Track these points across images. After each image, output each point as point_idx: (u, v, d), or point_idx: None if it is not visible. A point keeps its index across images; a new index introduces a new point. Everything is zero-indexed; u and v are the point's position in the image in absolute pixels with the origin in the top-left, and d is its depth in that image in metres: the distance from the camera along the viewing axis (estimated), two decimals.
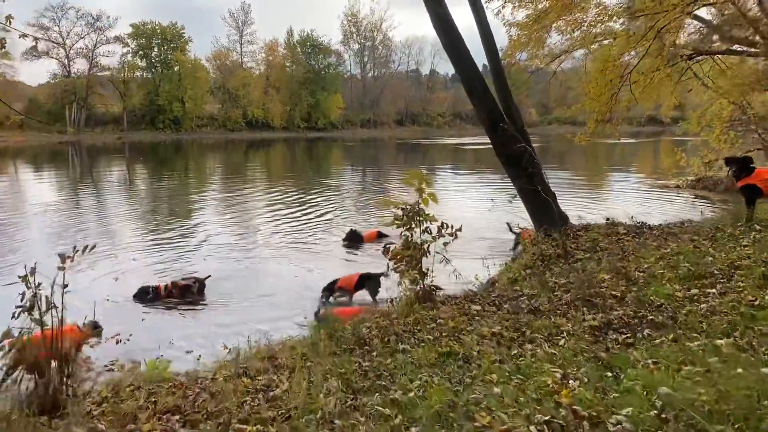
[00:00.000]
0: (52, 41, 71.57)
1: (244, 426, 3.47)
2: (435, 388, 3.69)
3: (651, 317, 4.95)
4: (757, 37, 14.25)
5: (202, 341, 7.23)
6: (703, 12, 14.90)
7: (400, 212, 6.26)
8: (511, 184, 10.11)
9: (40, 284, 4.09)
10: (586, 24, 14.11)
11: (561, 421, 3.12)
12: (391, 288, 7.21)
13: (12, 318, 4.12)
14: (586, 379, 3.76)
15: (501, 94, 9.95)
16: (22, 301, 4.03)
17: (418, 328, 5.17)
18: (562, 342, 4.57)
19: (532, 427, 3.02)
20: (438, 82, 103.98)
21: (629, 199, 18.40)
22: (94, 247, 4.28)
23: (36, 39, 5.33)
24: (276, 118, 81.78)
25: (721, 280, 5.66)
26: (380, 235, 12.84)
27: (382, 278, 8.58)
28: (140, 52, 76.89)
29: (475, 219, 13.95)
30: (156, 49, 77.45)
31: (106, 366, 6.42)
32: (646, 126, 64.21)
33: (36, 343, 4.19)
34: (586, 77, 15.73)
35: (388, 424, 3.31)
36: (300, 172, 34.03)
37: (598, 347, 4.41)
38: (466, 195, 20.49)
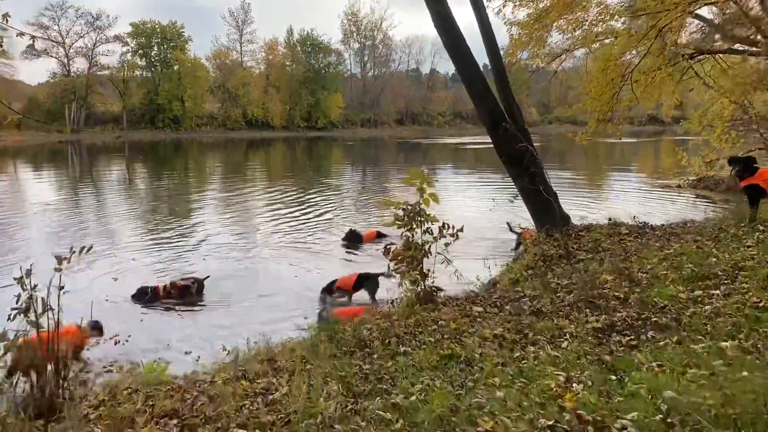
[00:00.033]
0: (52, 40, 71.58)
1: (243, 431, 3.42)
2: (437, 392, 3.63)
3: (655, 319, 4.90)
4: (759, 36, 14.21)
5: (201, 342, 7.17)
6: (705, 11, 14.88)
7: (401, 212, 6.20)
8: (513, 183, 10.06)
9: (36, 286, 4.04)
10: (587, 23, 14.09)
11: (565, 426, 3.07)
12: (392, 289, 7.17)
13: (8, 320, 4.07)
14: (590, 383, 3.71)
15: (502, 94, 9.89)
16: (17, 303, 3.97)
17: (420, 329, 5.11)
18: (565, 344, 4.52)
19: None
20: (438, 82, 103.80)
21: (630, 199, 18.35)
22: (90, 248, 4.23)
23: (33, 37, 5.27)
24: (276, 117, 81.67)
25: (725, 282, 5.62)
26: (379, 235, 12.80)
27: (382, 278, 8.55)
28: (140, 51, 76.76)
29: (476, 219, 13.88)
30: (156, 48, 77.30)
31: (105, 367, 6.39)
32: (646, 125, 64.36)
33: (32, 346, 4.14)
34: (587, 76, 15.69)
35: (389, 429, 3.27)
36: (300, 171, 33.97)
37: (601, 350, 4.37)
38: (466, 194, 20.43)
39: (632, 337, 4.62)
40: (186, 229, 14.85)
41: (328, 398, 3.71)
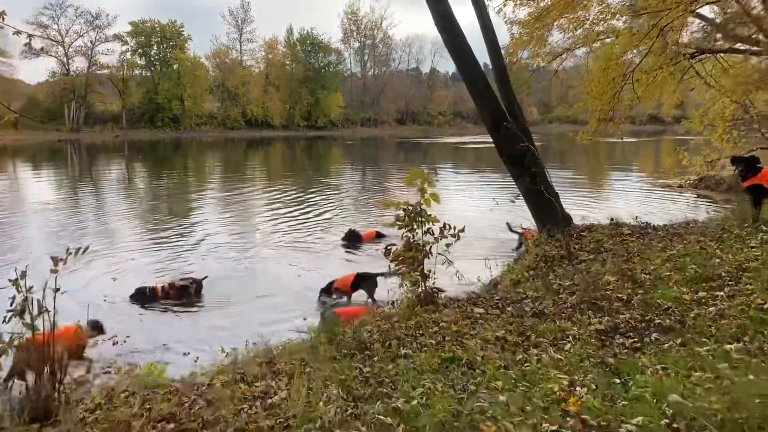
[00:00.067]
0: (52, 39, 71.43)
1: None
2: (438, 396, 3.57)
3: (658, 321, 4.84)
4: (761, 36, 14.17)
5: (200, 343, 7.13)
6: (706, 10, 14.82)
7: (401, 213, 6.14)
8: (513, 183, 10.00)
9: (31, 288, 3.98)
10: (588, 22, 14.03)
11: (569, 431, 3.03)
12: (392, 289, 7.11)
13: (3, 322, 4.01)
14: (593, 386, 3.66)
15: (503, 93, 9.84)
16: (11, 305, 3.91)
17: (420, 331, 5.05)
18: (568, 347, 4.46)
19: None
20: (438, 81, 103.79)
21: (632, 199, 18.33)
22: (86, 249, 4.16)
23: (30, 36, 5.20)
24: (276, 116, 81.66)
25: (729, 283, 5.55)
26: (379, 235, 12.78)
27: (380, 278, 8.49)
28: (139, 50, 76.76)
29: (477, 219, 13.82)
30: (155, 48, 77.29)
31: (102, 368, 6.35)
32: (647, 125, 64.32)
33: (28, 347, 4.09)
34: (588, 76, 15.63)
35: None
36: (299, 171, 33.92)
37: (605, 352, 4.31)
38: (466, 194, 20.38)
39: (636, 339, 4.56)
40: (185, 228, 14.80)
41: (327, 402, 3.65)
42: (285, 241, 13.04)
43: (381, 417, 3.36)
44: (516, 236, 11.69)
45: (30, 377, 4.11)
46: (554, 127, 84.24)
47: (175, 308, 8.59)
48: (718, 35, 15.62)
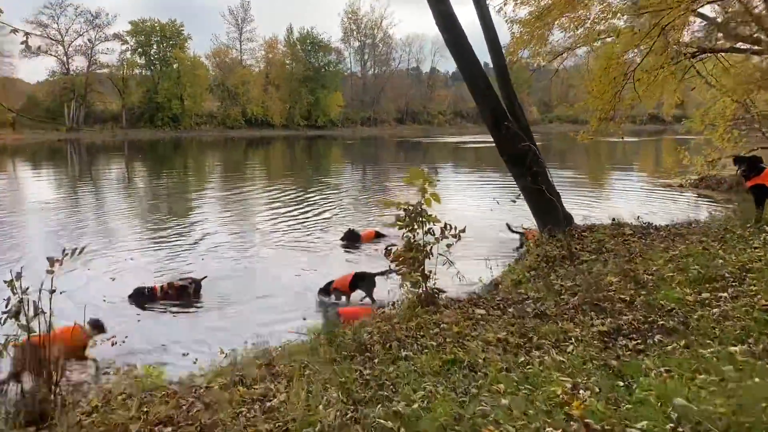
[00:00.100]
0: (51, 38, 71.37)
1: None
2: (440, 400, 3.52)
3: (662, 322, 4.80)
4: (762, 35, 14.13)
5: (199, 344, 7.08)
6: (707, 10, 14.79)
7: (402, 213, 6.08)
8: (514, 183, 9.95)
9: (27, 289, 3.92)
10: (589, 21, 14.01)
11: None
12: (392, 290, 7.05)
13: None
14: (597, 389, 3.61)
15: (504, 92, 9.79)
16: (6, 307, 3.86)
17: (421, 333, 5.00)
18: (570, 348, 4.41)
19: None
20: (439, 80, 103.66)
21: (632, 198, 18.28)
22: (83, 250, 4.12)
23: (26, 34, 5.14)
24: (276, 115, 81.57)
25: (733, 284, 5.51)
26: (378, 235, 12.73)
27: (379, 278, 8.44)
28: (139, 49, 76.64)
29: (477, 218, 13.78)
30: (155, 47, 77.16)
31: (101, 369, 6.31)
32: (647, 124, 64.28)
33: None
34: (588, 75, 15.61)
35: None
36: (299, 170, 33.87)
37: (608, 354, 4.26)
38: (467, 194, 20.31)
39: (639, 341, 4.52)
40: (184, 228, 14.76)
41: (327, 406, 3.60)
42: (284, 241, 12.99)
43: (381, 421, 3.31)
44: (516, 236, 11.65)
45: (26, 379, 4.06)
46: (554, 126, 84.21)
47: (174, 308, 8.53)
48: (720, 34, 15.59)
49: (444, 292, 6.38)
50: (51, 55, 73.94)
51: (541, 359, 4.20)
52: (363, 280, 8.74)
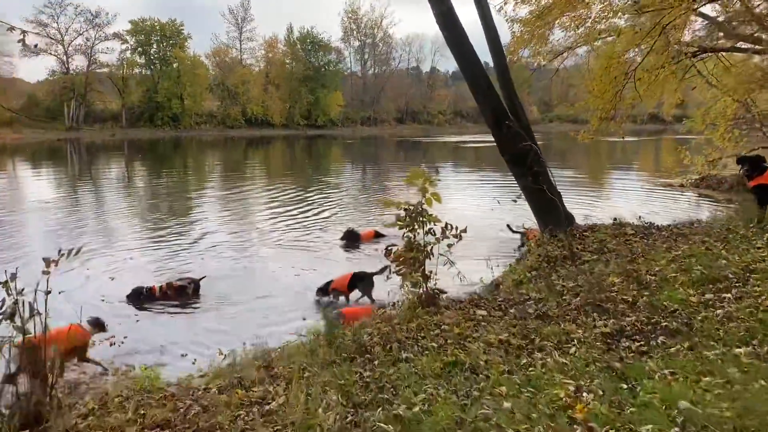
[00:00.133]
0: (51, 37, 71.27)
1: None
2: (441, 403, 3.47)
3: (665, 324, 4.75)
4: (763, 34, 14.07)
5: (197, 344, 7.06)
6: (708, 9, 14.73)
7: (402, 213, 6.03)
8: (514, 182, 9.90)
9: (23, 290, 3.87)
10: (590, 20, 13.93)
11: None
12: (392, 290, 6.99)
13: None
14: (600, 392, 3.57)
15: (505, 91, 9.74)
16: (1, 308, 3.80)
17: (422, 334, 4.94)
18: (573, 350, 4.36)
19: None
20: (439, 80, 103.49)
21: (633, 198, 18.26)
22: (79, 250, 4.06)
23: (23, 32, 5.09)
24: (275, 115, 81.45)
25: (737, 285, 5.46)
26: (378, 235, 12.69)
27: (378, 277, 8.40)
28: (139, 48, 76.43)
29: (477, 218, 13.73)
30: (155, 46, 76.98)
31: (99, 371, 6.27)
32: (647, 124, 64.17)
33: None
34: (589, 74, 15.56)
35: None
36: (299, 169, 33.80)
37: (611, 356, 4.21)
38: (467, 193, 20.27)
39: (642, 342, 4.47)
40: (184, 227, 14.72)
41: (327, 409, 3.54)
42: (284, 241, 12.95)
43: (382, 425, 3.26)
44: (517, 236, 11.60)
45: (21, 381, 4.00)
46: (554, 126, 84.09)
47: (173, 309, 8.50)
48: (720, 34, 15.52)
49: (445, 292, 6.33)
50: (51, 54, 73.79)
51: (543, 361, 4.15)
52: (362, 281, 8.71)
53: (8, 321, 3.76)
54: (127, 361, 6.49)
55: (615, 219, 9.63)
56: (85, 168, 34.74)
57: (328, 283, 8.68)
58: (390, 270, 8.31)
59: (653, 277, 6.05)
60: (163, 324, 7.98)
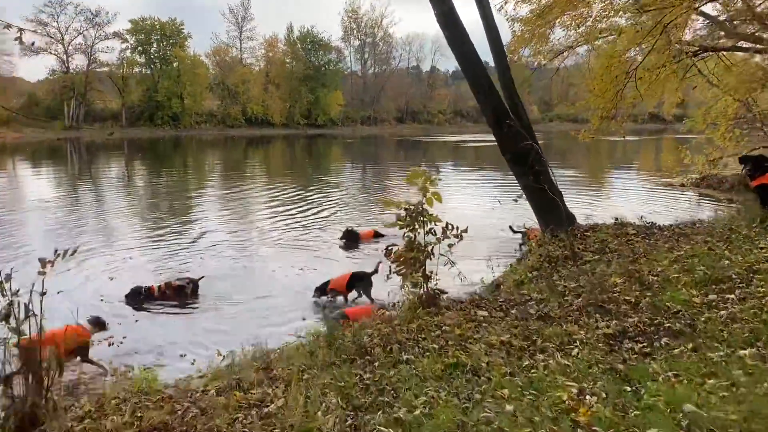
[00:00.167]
0: (51, 37, 71.21)
1: None
2: (442, 406, 3.42)
3: (668, 325, 4.70)
4: (765, 34, 14.02)
5: (196, 344, 7.03)
6: (709, 8, 14.69)
7: (403, 212, 5.97)
8: (515, 181, 9.85)
9: (18, 291, 3.82)
10: (590, 19, 13.89)
11: None
12: (392, 291, 6.94)
13: None
14: (603, 395, 3.52)
15: (506, 91, 9.68)
16: None
17: (423, 335, 4.88)
18: (575, 352, 4.31)
19: None
20: (439, 79, 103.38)
21: (634, 198, 18.23)
22: (75, 251, 4.01)
23: (20, 29, 5.04)
24: (276, 114, 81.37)
25: (740, 285, 5.41)
26: (377, 234, 12.65)
27: (377, 277, 8.36)
28: (139, 48, 76.33)
29: (478, 217, 13.69)
30: (155, 45, 76.87)
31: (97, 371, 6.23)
32: (647, 123, 64.17)
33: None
34: (590, 73, 15.52)
35: None
36: (299, 169, 33.77)
37: (614, 358, 4.16)
38: (467, 193, 20.22)
39: (645, 343, 4.42)
40: (183, 227, 14.68)
41: (326, 412, 3.49)
42: (283, 240, 12.90)
43: (382, 428, 3.22)
44: (518, 236, 11.56)
45: (17, 383, 3.95)
46: (555, 125, 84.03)
47: (172, 309, 8.45)
48: (721, 33, 15.47)
49: (445, 293, 6.27)
50: (51, 53, 73.63)
51: (545, 363, 4.09)
52: (361, 281, 8.67)
53: (3, 322, 3.71)
54: (126, 362, 6.46)
55: (616, 219, 9.57)
56: (85, 167, 34.69)
57: (326, 283, 8.64)
58: (381, 264, 8.33)
59: (655, 278, 6.00)
60: (162, 324, 7.95)
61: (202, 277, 9.22)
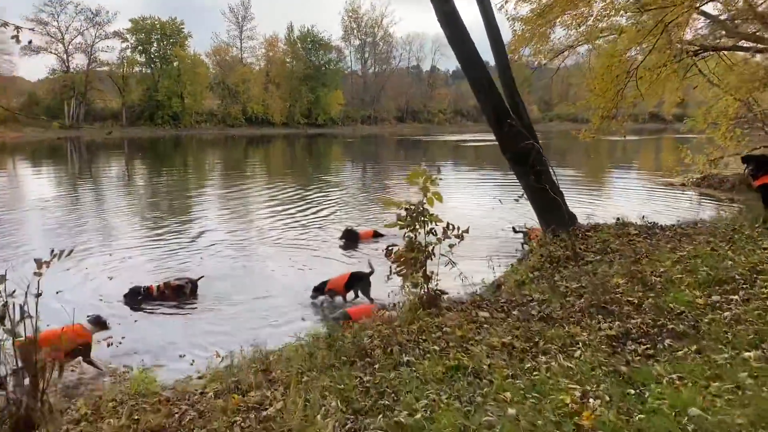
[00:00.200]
0: (51, 36, 71.16)
1: None
2: (443, 409, 3.36)
3: (671, 326, 4.64)
4: (766, 33, 13.98)
5: (195, 345, 7.00)
6: (710, 7, 14.66)
7: (403, 212, 5.92)
8: (516, 181, 9.80)
9: (14, 291, 3.77)
10: (591, 18, 13.86)
11: None
12: (393, 291, 6.88)
13: None
14: (607, 398, 3.46)
15: (507, 90, 9.62)
16: None
17: (423, 337, 4.83)
18: (578, 354, 4.25)
19: None
20: (439, 79, 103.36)
21: (634, 197, 18.19)
22: (71, 251, 3.96)
23: (17, 28, 5.00)
24: (276, 114, 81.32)
25: (744, 286, 5.35)
26: (376, 234, 12.61)
27: (375, 276, 8.32)
28: (139, 47, 76.22)
29: (478, 217, 13.64)
30: (155, 45, 76.77)
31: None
32: (648, 123, 64.19)
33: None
34: (590, 73, 15.48)
35: None
36: (299, 168, 33.70)
37: (617, 360, 4.11)
38: (467, 192, 20.17)
39: (648, 345, 4.36)
40: (183, 226, 14.64)
41: (326, 415, 3.43)
42: (284, 240, 12.86)
43: None
44: (519, 236, 11.51)
45: (12, 385, 3.90)
46: (555, 125, 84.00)
47: (171, 309, 8.41)
48: (722, 32, 15.43)
49: (446, 293, 6.22)
50: (51, 52, 73.51)
51: (548, 365, 4.04)
52: (360, 281, 8.63)
53: None
54: (125, 362, 6.44)
55: (618, 219, 9.50)
56: (85, 166, 34.63)
57: (324, 283, 8.59)
58: (371, 264, 8.40)
59: (658, 278, 5.93)
60: (161, 324, 7.91)
61: (201, 276, 9.18)
